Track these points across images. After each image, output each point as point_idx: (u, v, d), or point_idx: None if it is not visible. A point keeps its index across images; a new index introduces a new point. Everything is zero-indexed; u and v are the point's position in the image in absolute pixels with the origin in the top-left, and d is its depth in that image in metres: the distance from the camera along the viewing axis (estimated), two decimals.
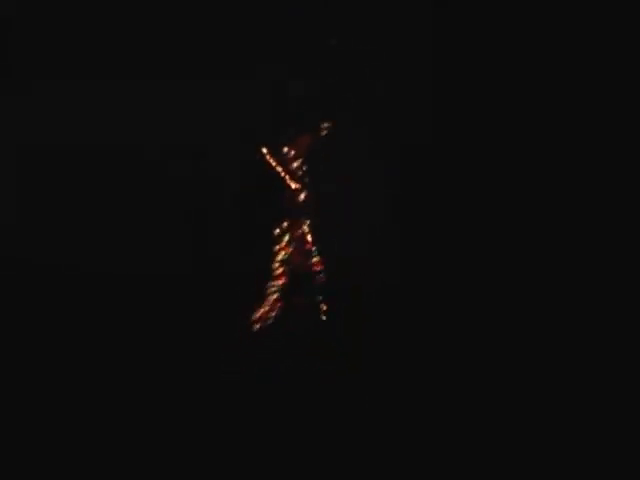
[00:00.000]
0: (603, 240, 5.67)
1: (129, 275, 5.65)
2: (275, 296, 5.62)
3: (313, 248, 5.63)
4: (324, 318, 5.61)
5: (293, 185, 5.66)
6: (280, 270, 5.63)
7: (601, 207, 5.72)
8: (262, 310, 5.60)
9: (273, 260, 5.64)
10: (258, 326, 5.59)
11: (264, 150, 5.66)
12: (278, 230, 5.66)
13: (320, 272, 5.64)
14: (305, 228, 5.64)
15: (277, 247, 5.65)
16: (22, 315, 5.61)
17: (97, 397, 5.43)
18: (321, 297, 5.64)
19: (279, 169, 5.65)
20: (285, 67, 5.80)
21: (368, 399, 5.42)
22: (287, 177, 5.66)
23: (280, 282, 5.63)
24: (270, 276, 5.66)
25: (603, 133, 5.77)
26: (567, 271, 5.65)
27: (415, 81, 5.88)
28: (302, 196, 5.65)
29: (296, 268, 5.63)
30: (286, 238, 5.61)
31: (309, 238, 5.65)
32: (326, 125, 5.72)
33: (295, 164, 5.69)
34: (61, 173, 5.83)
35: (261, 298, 5.62)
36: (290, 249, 5.62)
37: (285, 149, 5.71)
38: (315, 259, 5.63)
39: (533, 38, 5.81)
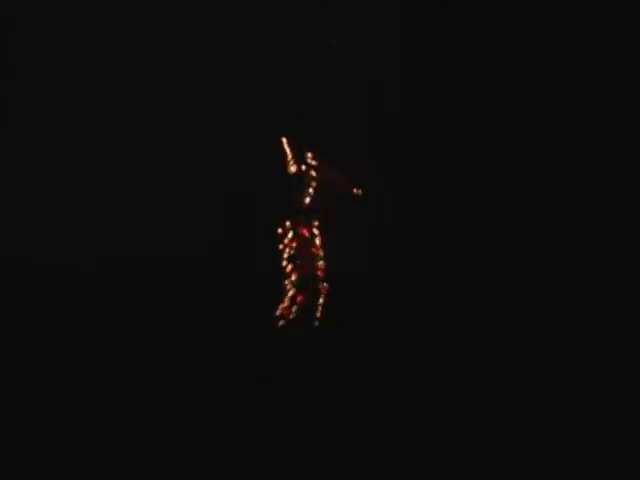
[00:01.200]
0: (603, 240, 5.67)
1: (132, 272, 5.68)
2: (291, 292, 5.62)
3: (318, 246, 5.63)
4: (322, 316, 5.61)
5: (295, 183, 5.66)
6: (289, 267, 5.62)
7: (601, 207, 5.72)
8: (282, 306, 5.60)
9: (280, 258, 5.63)
10: (280, 323, 5.59)
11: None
12: (282, 229, 5.65)
13: (324, 271, 5.64)
14: (310, 226, 5.64)
15: (282, 245, 5.64)
16: (21, 310, 5.62)
17: (97, 396, 5.42)
18: (323, 295, 5.64)
19: (283, 167, 5.65)
20: (285, 67, 5.80)
21: (368, 399, 5.42)
22: (290, 176, 5.67)
23: (292, 278, 5.63)
24: (282, 274, 5.66)
25: (603, 133, 5.77)
26: (566, 271, 5.65)
27: (415, 81, 5.88)
28: (305, 195, 5.65)
29: (303, 265, 5.63)
30: (290, 235, 5.61)
31: (314, 236, 5.64)
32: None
33: (296, 163, 5.69)
34: (61, 172, 5.84)
35: (274, 296, 5.62)
36: (296, 246, 5.62)
37: (286, 149, 5.71)
38: (320, 257, 5.63)
39: (533, 39, 5.81)
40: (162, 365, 5.52)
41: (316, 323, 5.60)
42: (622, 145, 5.74)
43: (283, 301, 5.59)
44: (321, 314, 5.61)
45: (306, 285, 5.56)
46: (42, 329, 5.58)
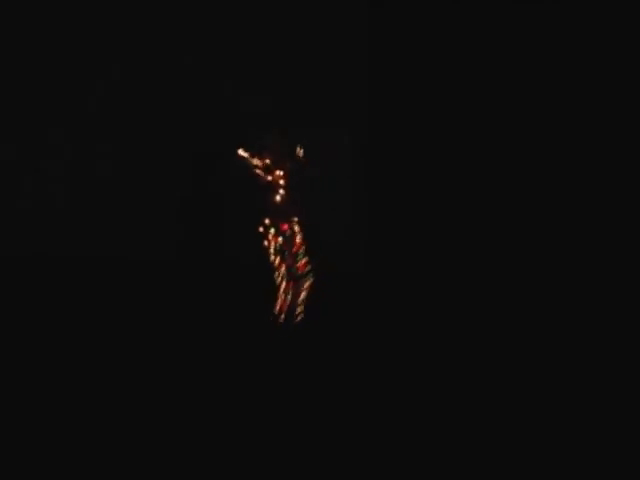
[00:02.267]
0: (603, 241, 5.67)
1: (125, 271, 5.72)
2: (283, 285, 5.62)
3: (299, 243, 5.63)
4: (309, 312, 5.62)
5: (275, 183, 5.68)
6: (277, 261, 5.63)
7: (601, 208, 5.72)
8: (279, 301, 5.60)
9: (267, 254, 5.64)
10: (280, 318, 5.59)
11: (245, 150, 5.68)
12: (262, 227, 5.66)
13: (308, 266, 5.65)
14: (290, 222, 5.65)
15: (267, 242, 5.65)
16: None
17: (95, 397, 5.43)
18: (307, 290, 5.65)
19: (262, 168, 5.67)
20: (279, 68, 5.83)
21: (365, 399, 5.42)
22: (270, 175, 5.68)
23: (282, 270, 5.63)
24: (271, 269, 5.66)
25: (603, 134, 5.78)
26: (566, 272, 5.66)
27: (414, 81, 5.90)
28: (276, 194, 5.67)
29: (290, 258, 5.63)
30: (272, 231, 5.62)
31: (295, 233, 5.65)
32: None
33: (282, 162, 5.71)
34: (61, 172, 5.88)
35: (267, 294, 5.63)
36: (281, 241, 5.62)
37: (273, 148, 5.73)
38: (302, 254, 5.63)
39: (537, 40, 5.82)
40: (160, 365, 5.54)
41: (299, 318, 5.58)
42: (622, 145, 5.76)
43: (278, 296, 5.59)
44: (306, 311, 5.61)
45: (295, 276, 5.57)
46: (37, 328, 5.60)
